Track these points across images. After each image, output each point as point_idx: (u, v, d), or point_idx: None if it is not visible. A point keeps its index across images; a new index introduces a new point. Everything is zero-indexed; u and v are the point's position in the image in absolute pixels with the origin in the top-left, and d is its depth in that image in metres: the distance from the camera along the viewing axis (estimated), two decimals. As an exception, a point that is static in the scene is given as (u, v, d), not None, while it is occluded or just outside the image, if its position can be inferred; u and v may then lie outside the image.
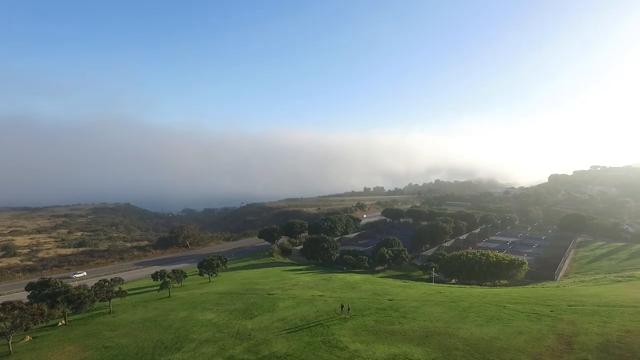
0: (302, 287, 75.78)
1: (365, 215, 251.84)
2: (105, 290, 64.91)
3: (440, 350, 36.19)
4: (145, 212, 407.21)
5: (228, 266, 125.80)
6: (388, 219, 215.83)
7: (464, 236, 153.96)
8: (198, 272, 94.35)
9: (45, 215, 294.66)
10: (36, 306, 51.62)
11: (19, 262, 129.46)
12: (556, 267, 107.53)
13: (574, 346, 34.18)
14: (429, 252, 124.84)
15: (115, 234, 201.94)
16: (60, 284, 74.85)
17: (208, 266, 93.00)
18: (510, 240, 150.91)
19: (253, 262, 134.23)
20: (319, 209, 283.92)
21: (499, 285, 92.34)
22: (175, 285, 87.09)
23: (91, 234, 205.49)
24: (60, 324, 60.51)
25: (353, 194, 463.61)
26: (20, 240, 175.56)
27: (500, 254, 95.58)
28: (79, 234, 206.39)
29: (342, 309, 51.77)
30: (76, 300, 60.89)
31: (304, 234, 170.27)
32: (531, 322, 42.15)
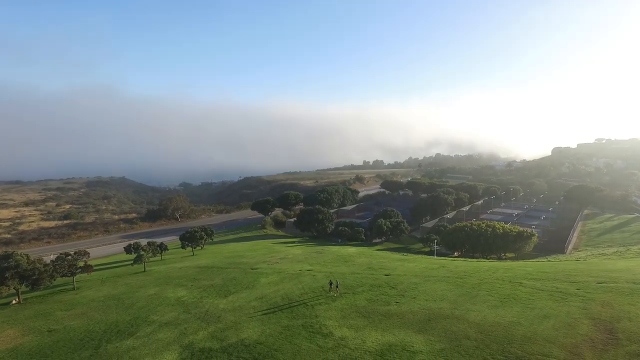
0: (290, 261, 68.68)
1: (364, 189, 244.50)
2: (66, 265, 57.65)
3: (446, 339, 28.81)
4: (141, 185, 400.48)
5: (217, 239, 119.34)
6: (387, 191, 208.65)
7: (466, 208, 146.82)
8: (180, 245, 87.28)
9: (36, 189, 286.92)
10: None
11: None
12: (565, 240, 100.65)
13: (617, 335, 26.73)
14: (430, 224, 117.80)
15: (104, 207, 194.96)
16: (24, 258, 67.68)
17: (191, 239, 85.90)
18: (515, 212, 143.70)
19: (244, 234, 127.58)
20: (317, 181, 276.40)
21: (506, 259, 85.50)
22: (154, 259, 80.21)
23: (80, 206, 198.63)
24: (13, 302, 53.64)
25: (352, 167, 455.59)
26: (4, 213, 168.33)
27: (507, 225, 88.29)
28: (68, 206, 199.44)
29: (330, 286, 44.42)
30: (30, 277, 53.70)
31: (299, 206, 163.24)
32: (556, 302, 34.72)
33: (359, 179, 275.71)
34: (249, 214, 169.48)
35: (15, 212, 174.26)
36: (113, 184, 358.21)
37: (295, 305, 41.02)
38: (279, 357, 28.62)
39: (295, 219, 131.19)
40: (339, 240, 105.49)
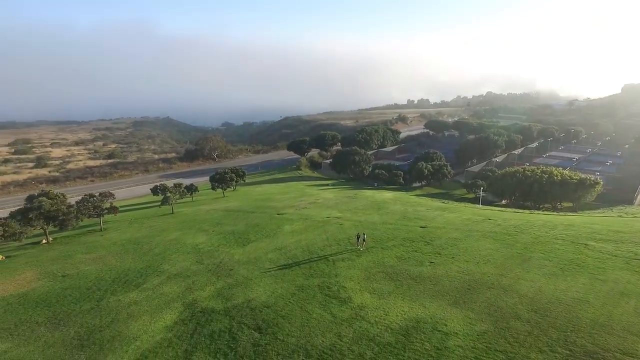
0: (319, 206, 64.31)
1: (406, 129, 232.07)
2: (91, 207, 56.73)
3: (490, 318, 23.16)
4: (185, 125, 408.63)
5: (251, 180, 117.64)
6: (431, 132, 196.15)
7: (518, 151, 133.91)
8: (210, 187, 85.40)
9: (87, 129, 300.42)
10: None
11: (47, 173, 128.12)
12: (635, 189, 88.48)
13: None
14: (476, 169, 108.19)
15: (146, 147, 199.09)
16: (58, 198, 68.23)
17: (220, 180, 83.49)
18: (575, 156, 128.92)
19: (278, 175, 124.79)
20: (357, 121, 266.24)
21: (562, 210, 76.36)
22: (184, 200, 78.99)
23: (124, 146, 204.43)
24: (42, 242, 53.90)
25: (395, 106, 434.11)
26: (56, 152, 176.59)
27: (567, 172, 77.80)
28: (113, 146, 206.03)
29: (357, 240, 39.36)
30: (56, 218, 53.24)
31: (336, 147, 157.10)
32: (637, 274, 27.58)
33: (402, 119, 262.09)
34: (285, 154, 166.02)
35: (67, 151, 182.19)
36: (158, 123, 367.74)
37: (315, 260, 36.67)
38: (285, 327, 24.50)
39: (331, 160, 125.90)
40: (375, 184, 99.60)
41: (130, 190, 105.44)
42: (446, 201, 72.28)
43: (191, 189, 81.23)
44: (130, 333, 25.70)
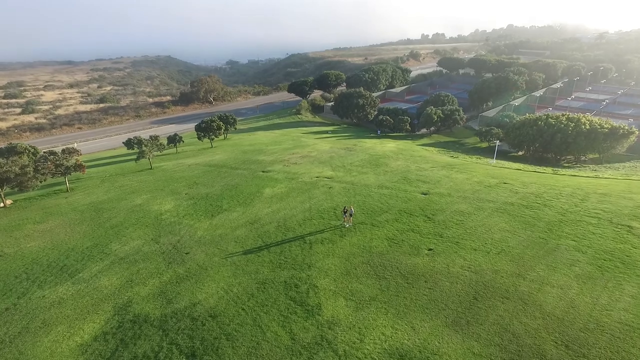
0: (311, 161, 57.04)
1: (418, 67, 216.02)
2: (52, 166, 50.31)
3: (503, 353, 16.63)
4: (187, 64, 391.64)
5: (247, 125, 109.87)
6: (445, 70, 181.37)
7: (539, 92, 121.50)
8: (197, 137, 78.02)
9: (85, 69, 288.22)
10: None
11: (32, 120, 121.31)
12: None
13: None
14: (491, 113, 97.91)
15: (141, 89, 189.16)
16: (27, 151, 62.06)
17: (206, 129, 75.84)
18: (605, 98, 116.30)
19: (276, 120, 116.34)
20: (366, 58, 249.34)
21: (587, 162, 67.86)
22: (166, 152, 72.19)
23: (120, 88, 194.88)
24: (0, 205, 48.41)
25: (408, 42, 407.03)
26: (48, 96, 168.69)
27: (597, 119, 68.00)
28: (109, 88, 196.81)
29: (344, 215, 32.43)
30: (9, 180, 47.12)
31: (340, 88, 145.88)
32: None
33: (414, 56, 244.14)
34: (287, 96, 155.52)
35: (59, 94, 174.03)
36: (159, 63, 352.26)
37: (289, 241, 30.20)
38: (225, 355, 18.47)
39: (333, 103, 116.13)
40: (379, 131, 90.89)
41: (118, 139, 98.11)
42: (455, 155, 64.11)
43: (174, 139, 74.17)
44: (32, 356, 20.05)
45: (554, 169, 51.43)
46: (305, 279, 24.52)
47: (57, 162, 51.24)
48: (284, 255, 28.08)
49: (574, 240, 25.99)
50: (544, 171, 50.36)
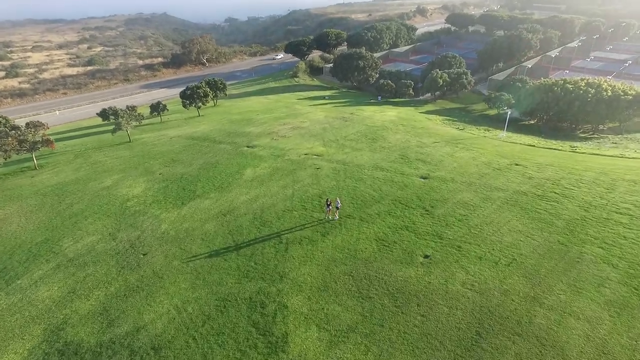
0: (302, 134, 51.93)
1: (425, 24, 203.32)
2: (15, 142, 45.62)
3: None
4: (184, 22, 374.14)
5: (240, 90, 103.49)
6: (453, 28, 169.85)
7: (555, 52, 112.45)
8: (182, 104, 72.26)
9: (76, 28, 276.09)
10: None
11: (16, 85, 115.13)
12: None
13: None
14: (502, 75, 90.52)
15: (133, 49, 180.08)
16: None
17: (192, 96, 70.06)
18: (627, 58, 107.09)
19: (272, 84, 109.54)
20: (370, 15, 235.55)
21: (605, 132, 62.01)
22: (148, 122, 67.05)
23: (111, 49, 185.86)
24: (-41, 186, 44.35)
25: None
26: (35, 57, 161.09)
27: (620, 84, 61.33)
28: (99, 49, 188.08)
29: (327, 207, 27.85)
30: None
31: (341, 47, 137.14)
32: None
33: (421, 12, 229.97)
34: (286, 56, 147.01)
35: (47, 56, 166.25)
36: (154, 21, 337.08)
37: (263, 240, 25.94)
38: (160, 414, 14.64)
39: (332, 65, 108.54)
40: (379, 97, 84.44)
41: (104, 106, 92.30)
42: (462, 125, 58.34)
43: (158, 108, 68.72)
44: None
45: (572, 145, 45.91)
46: (275, 294, 20.42)
47: (21, 138, 46.53)
48: (254, 259, 23.89)
49: (601, 248, 21.45)
50: (561, 147, 44.89)
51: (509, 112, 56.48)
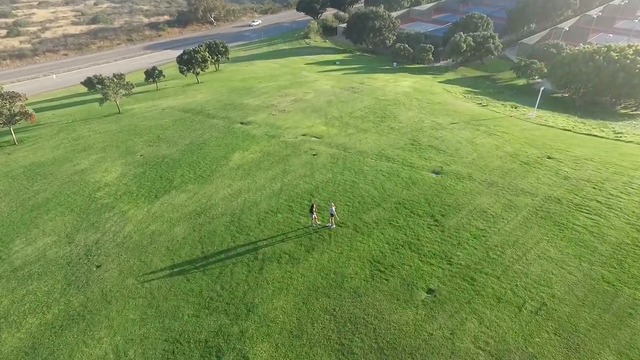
0: (303, 108, 46.53)
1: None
2: (-13, 114, 41.79)
3: None
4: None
5: (245, 53, 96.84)
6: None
7: (596, 12, 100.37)
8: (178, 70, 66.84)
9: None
10: None
11: (16, 45, 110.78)
12: None
13: None
14: (534, 39, 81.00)
15: (138, 6, 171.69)
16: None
17: (189, 62, 64.47)
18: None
19: (281, 46, 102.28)
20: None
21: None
22: (142, 89, 62.29)
23: (118, 5, 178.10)
24: None
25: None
26: (40, 14, 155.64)
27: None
28: (105, 5, 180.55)
29: (311, 213, 23.08)
30: None
31: (358, 5, 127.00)
32: None
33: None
34: (299, 15, 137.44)
35: (52, 12, 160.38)
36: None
37: (235, 255, 21.74)
38: None
39: (346, 25, 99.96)
40: (394, 63, 76.89)
41: (104, 69, 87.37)
42: (485, 100, 51.47)
43: (153, 74, 63.57)
44: None
45: (616, 131, 39.16)
46: (236, 339, 16.36)
47: (-2, 110, 42.59)
48: (221, 281, 19.78)
49: (662, 293, 16.37)
50: (603, 133, 38.24)
51: (542, 87, 49.19)
